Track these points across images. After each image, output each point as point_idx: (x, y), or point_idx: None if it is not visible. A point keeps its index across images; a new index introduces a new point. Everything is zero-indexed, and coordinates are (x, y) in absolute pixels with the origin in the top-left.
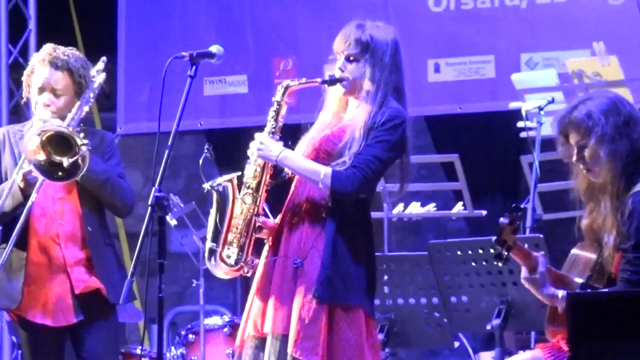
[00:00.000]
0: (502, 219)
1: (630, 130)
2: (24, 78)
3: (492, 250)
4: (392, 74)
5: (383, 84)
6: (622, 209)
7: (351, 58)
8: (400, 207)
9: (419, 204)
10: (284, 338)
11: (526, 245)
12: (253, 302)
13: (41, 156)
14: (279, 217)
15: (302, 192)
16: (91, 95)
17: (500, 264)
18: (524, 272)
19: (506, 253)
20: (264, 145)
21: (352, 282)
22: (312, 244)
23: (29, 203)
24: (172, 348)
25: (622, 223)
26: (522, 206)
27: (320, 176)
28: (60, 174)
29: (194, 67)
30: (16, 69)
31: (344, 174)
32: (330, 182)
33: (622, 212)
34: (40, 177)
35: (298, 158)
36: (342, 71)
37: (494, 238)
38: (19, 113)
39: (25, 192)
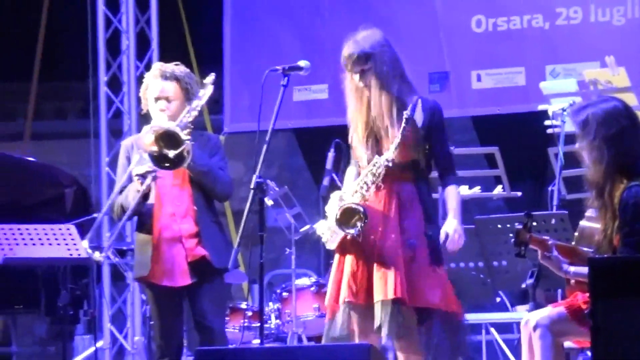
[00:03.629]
0: (517, 225)
1: (618, 142)
2: (141, 93)
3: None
4: (396, 66)
5: (398, 79)
6: (610, 205)
7: (363, 69)
8: None
9: (466, 186)
10: (395, 302)
11: (553, 220)
12: (344, 272)
13: (154, 148)
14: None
15: (390, 188)
16: (198, 104)
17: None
18: (540, 254)
19: (524, 250)
20: (456, 232)
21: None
22: (417, 226)
23: (150, 189)
24: (270, 303)
25: (620, 213)
26: (550, 188)
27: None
28: (167, 164)
29: (285, 78)
30: (143, 81)
31: (454, 185)
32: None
33: (610, 205)
34: (152, 167)
35: (457, 206)
36: (365, 85)
37: (512, 241)
38: (147, 118)
39: (140, 190)
